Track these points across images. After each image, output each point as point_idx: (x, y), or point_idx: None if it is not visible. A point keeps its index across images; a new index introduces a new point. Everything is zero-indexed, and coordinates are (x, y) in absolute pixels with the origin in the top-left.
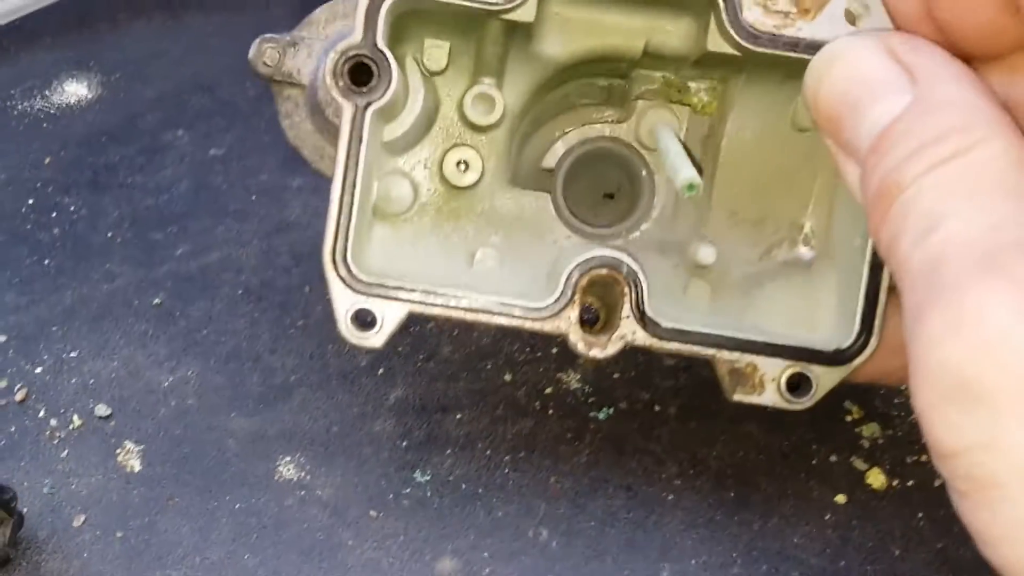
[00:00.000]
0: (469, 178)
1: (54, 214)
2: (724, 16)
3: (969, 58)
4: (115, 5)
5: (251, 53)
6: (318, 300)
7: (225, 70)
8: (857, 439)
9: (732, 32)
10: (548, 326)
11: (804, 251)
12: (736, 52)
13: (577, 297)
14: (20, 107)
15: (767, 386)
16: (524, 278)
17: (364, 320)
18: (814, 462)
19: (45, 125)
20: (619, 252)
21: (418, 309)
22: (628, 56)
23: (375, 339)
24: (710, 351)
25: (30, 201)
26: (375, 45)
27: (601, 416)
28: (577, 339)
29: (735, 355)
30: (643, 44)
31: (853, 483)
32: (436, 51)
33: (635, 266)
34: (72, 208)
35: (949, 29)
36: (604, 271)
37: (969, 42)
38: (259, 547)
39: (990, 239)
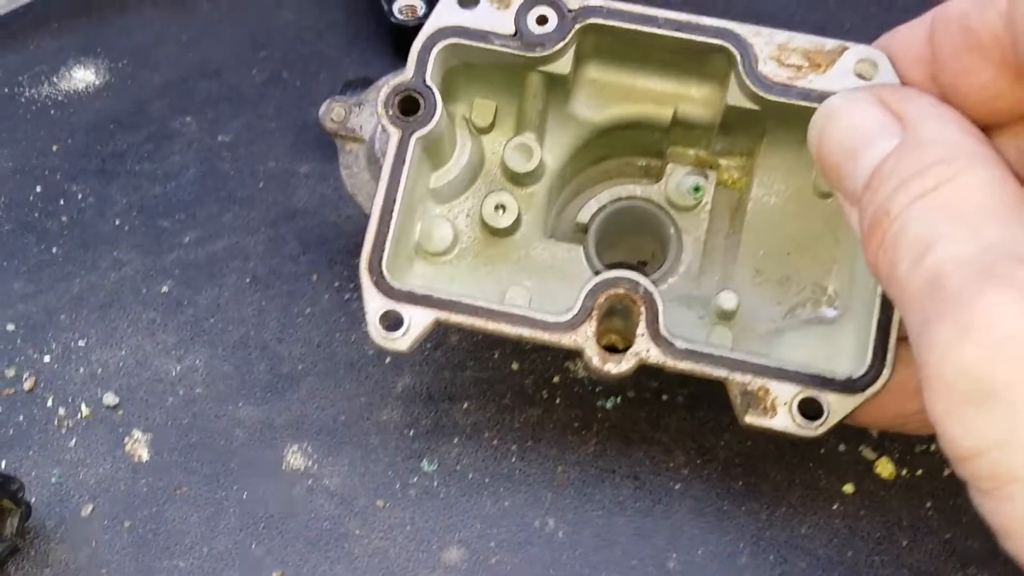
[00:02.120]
0: (506, 220)
1: (62, 202)
2: (740, 68)
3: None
4: None
5: (321, 111)
6: (325, 288)
7: (232, 56)
8: (866, 428)
9: (748, 82)
10: (566, 339)
11: (827, 311)
12: (754, 105)
13: (595, 313)
14: (28, 94)
15: (779, 410)
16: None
17: (391, 322)
18: (822, 451)
19: (53, 112)
20: (637, 274)
21: (443, 317)
22: (659, 123)
23: (402, 342)
24: (722, 372)
25: (38, 189)
26: (424, 82)
27: (609, 405)
28: (593, 353)
29: (747, 377)
30: (672, 111)
31: (862, 473)
32: (484, 109)
33: (651, 287)
34: (80, 196)
35: (953, 93)
36: (621, 290)
37: (972, 106)
38: (266, 536)
39: (984, 254)
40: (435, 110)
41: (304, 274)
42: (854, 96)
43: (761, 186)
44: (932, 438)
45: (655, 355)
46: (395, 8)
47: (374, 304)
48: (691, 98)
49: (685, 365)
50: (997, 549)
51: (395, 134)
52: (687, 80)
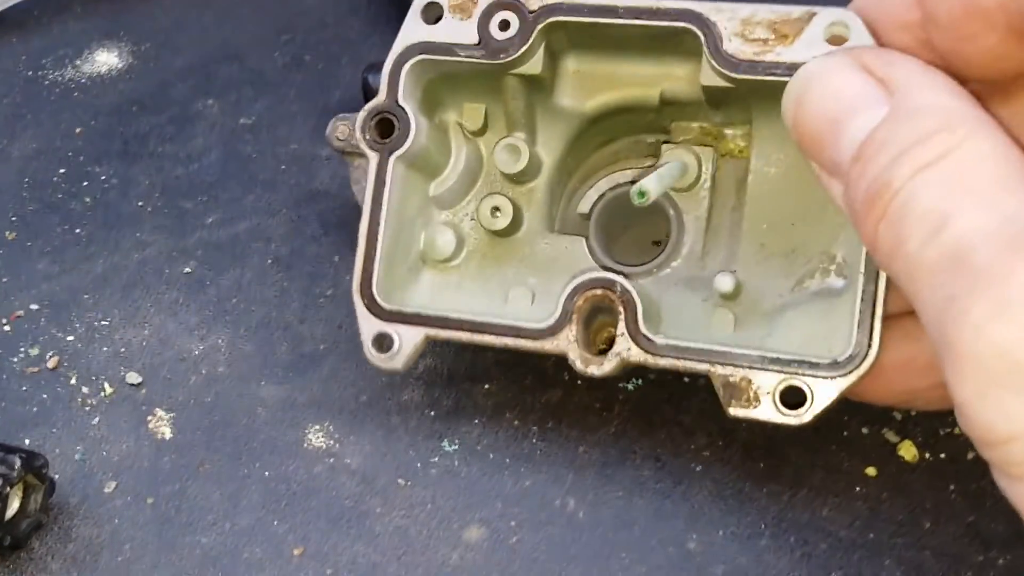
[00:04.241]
0: (502, 222)
1: (85, 183)
2: (705, 49)
3: (967, 82)
4: None
5: (327, 130)
6: (347, 270)
7: (254, 39)
8: (889, 411)
9: (715, 64)
10: (548, 345)
11: (836, 280)
12: (727, 84)
13: (575, 316)
14: (51, 77)
15: (762, 400)
16: (550, 314)
17: (385, 344)
18: (845, 434)
19: (76, 95)
20: (614, 275)
21: (432, 333)
22: (647, 105)
23: (395, 361)
24: (704, 366)
25: (62, 171)
26: (396, 103)
27: (630, 387)
28: (575, 357)
29: (728, 369)
30: (659, 92)
31: (884, 455)
32: (474, 113)
33: (628, 286)
34: (103, 177)
35: (953, 57)
36: (599, 291)
37: (970, 69)
38: (288, 514)
39: (1009, 227)
40: (409, 130)
41: (326, 255)
42: (832, 61)
43: (759, 157)
44: (956, 420)
45: (636, 354)
46: None
47: (367, 327)
48: (675, 76)
49: (666, 362)
50: (1021, 533)
51: (373, 158)
52: (667, 60)
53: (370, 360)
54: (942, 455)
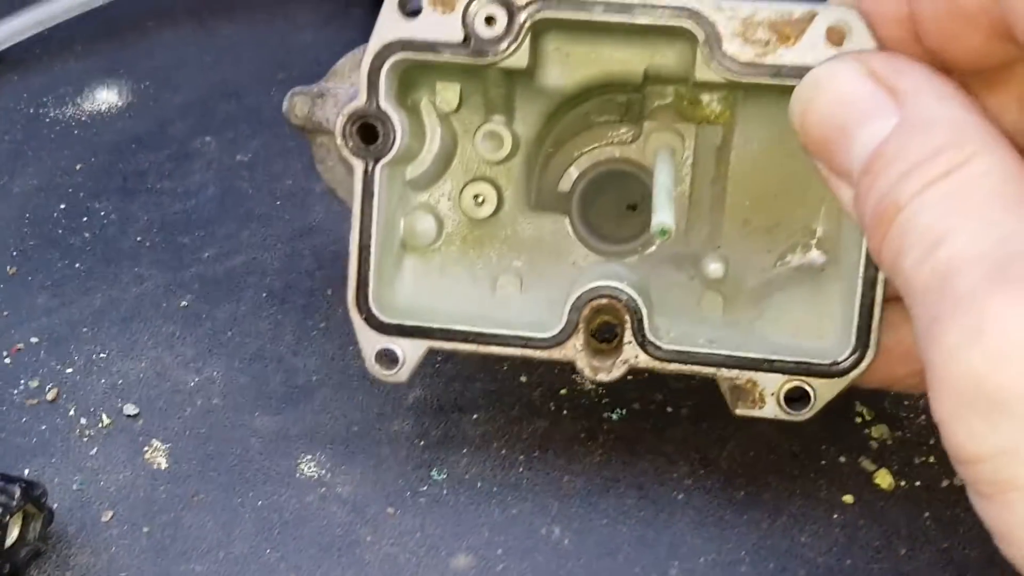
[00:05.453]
0: (485, 210)
1: (85, 219)
2: (704, 49)
3: (953, 72)
4: (144, 13)
5: (284, 107)
6: (339, 303)
7: (251, 77)
8: (866, 440)
9: (713, 65)
10: (556, 354)
11: (816, 255)
12: (723, 80)
13: (582, 325)
14: (52, 114)
15: (767, 400)
16: (543, 302)
17: (388, 358)
18: (823, 462)
19: (76, 132)
20: (618, 281)
21: (436, 346)
22: (631, 81)
23: (400, 375)
24: (711, 370)
25: (62, 206)
26: (379, 106)
27: (614, 417)
28: (584, 365)
29: (734, 372)
30: (643, 69)
31: (861, 483)
32: (448, 93)
33: (633, 294)
34: (103, 213)
35: (937, 52)
36: (604, 300)
37: (957, 64)
38: (280, 543)
39: (998, 250)
40: (395, 134)
41: (319, 289)
42: (840, 67)
43: (743, 135)
44: (930, 449)
45: (644, 360)
46: None
47: (368, 343)
48: (663, 54)
49: (673, 367)
50: (993, 558)
51: (359, 165)
52: (655, 40)
53: (373, 375)
54: (917, 483)
